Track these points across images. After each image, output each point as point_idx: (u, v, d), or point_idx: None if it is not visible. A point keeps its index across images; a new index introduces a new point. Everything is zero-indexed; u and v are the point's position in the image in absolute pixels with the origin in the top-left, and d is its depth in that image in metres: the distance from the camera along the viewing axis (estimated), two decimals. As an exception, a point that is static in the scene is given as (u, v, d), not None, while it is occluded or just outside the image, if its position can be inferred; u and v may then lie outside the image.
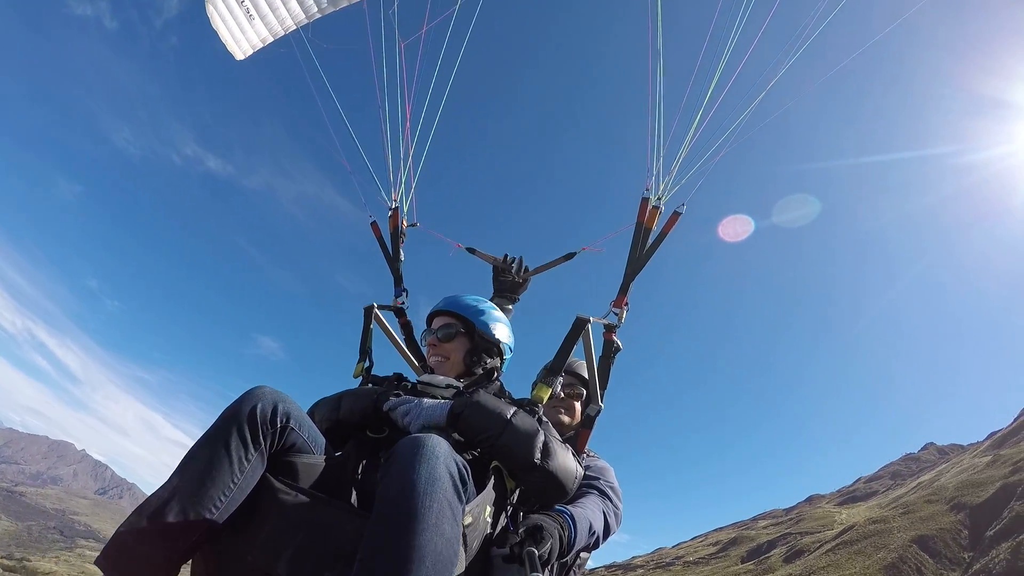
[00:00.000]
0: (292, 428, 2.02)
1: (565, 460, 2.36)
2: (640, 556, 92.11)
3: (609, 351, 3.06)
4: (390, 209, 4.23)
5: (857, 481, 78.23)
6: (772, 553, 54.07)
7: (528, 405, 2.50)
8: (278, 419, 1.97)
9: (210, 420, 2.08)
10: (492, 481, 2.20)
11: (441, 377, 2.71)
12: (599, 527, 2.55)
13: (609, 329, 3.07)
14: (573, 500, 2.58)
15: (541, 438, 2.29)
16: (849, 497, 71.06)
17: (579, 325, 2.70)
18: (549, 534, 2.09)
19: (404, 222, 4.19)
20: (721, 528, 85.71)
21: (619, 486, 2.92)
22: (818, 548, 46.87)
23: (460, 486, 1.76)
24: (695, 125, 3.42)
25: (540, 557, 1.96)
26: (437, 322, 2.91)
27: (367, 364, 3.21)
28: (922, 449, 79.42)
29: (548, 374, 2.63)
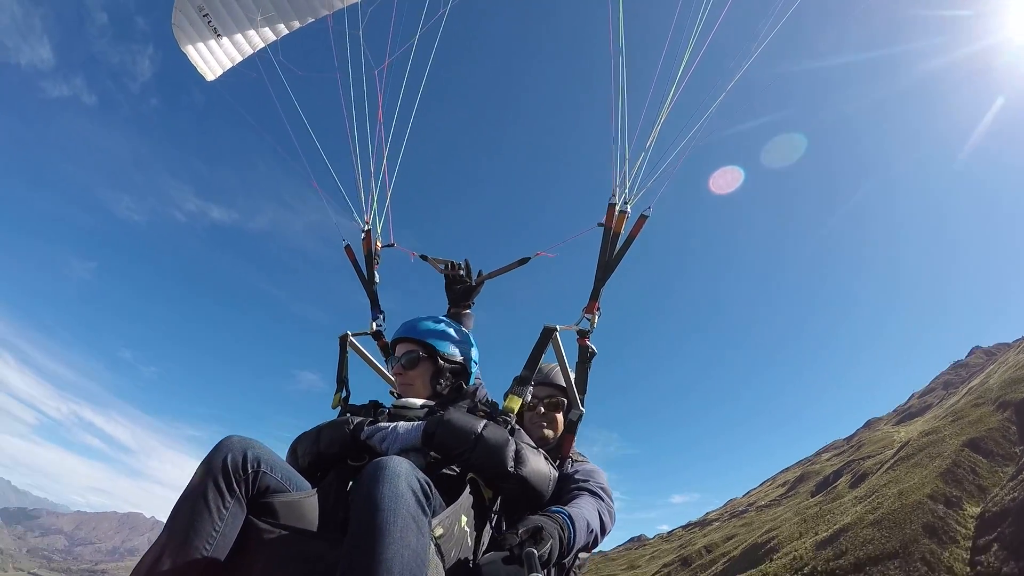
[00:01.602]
0: (264, 472, 2.09)
1: (538, 465, 2.46)
2: (714, 511, 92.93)
3: (585, 356, 3.06)
4: (363, 231, 4.21)
5: (911, 398, 78.65)
6: (838, 483, 55.04)
7: (500, 415, 2.59)
8: (248, 466, 2.04)
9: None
10: (467, 490, 2.28)
11: (414, 399, 2.81)
12: (596, 525, 2.60)
13: (582, 335, 3.07)
14: (567, 502, 2.64)
15: (512, 447, 2.39)
16: (905, 415, 71.50)
17: (546, 335, 2.78)
18: (549, 534, 2.13)
19: (379, 243, 4.19)
20: (787, 468, 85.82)
21: (609, 486, 2.96)
22: (879, 469, 48.02)
23: (424, 500, 1.83)
24: (655, 129, 3.41)
25: (540, 557, 2.00)
26: (399, 349, 2.96)
27: (344, 394, 3.31)
28: (969, 354, 79.30)
29: (518, 384, 2.72)
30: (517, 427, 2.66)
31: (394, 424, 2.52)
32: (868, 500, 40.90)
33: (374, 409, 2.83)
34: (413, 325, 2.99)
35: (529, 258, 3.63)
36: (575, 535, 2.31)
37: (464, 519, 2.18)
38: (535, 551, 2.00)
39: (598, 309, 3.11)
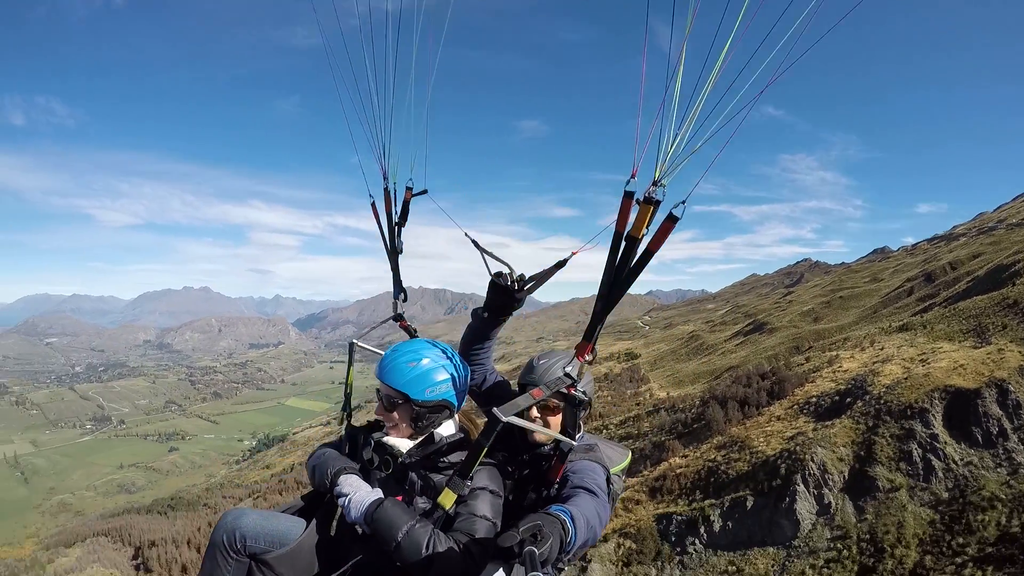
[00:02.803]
0: (249, 544, 2.73)
1: (444, 570, 2.47)
2: (961, 225, 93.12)
3: (573, 403, 2.80)
4: (384, 186, 3.60)
5: None
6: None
7: (440, 506, 2.61)
8: (237, 543, 2.71)
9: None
10: None
11: (397, 440, 2.91)
12: (596, 523, 2.64)
13: (569, 386, 2.71)
14: (566, 499, 2.73)
15: (423, 554, 2.46)
16: None
17: (492, 425, 2.42)
18: (550, 533, 2.14)
19: (410, 191, 3.56)
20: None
21: (604, 484, 2.98)
22: None
23: None
24: (720, 63, 2.06)
25: (540, 556, 2.03)
26: (381, 388, 2.93)
27: (347, 411, 3.42)
28: None
29: (458, 476, 2.59)
30: (473, 503, 2.66)
31: (349, 496, 2.69)
32: None
33: (368, 431, 3.06)
34: (388, 370, 2.88)
35: (566, 260, 3.04)
36: (576, 534, 2.34)
37: None
38: (536, 549, 2.03)
39: (592, 351, 2.57)
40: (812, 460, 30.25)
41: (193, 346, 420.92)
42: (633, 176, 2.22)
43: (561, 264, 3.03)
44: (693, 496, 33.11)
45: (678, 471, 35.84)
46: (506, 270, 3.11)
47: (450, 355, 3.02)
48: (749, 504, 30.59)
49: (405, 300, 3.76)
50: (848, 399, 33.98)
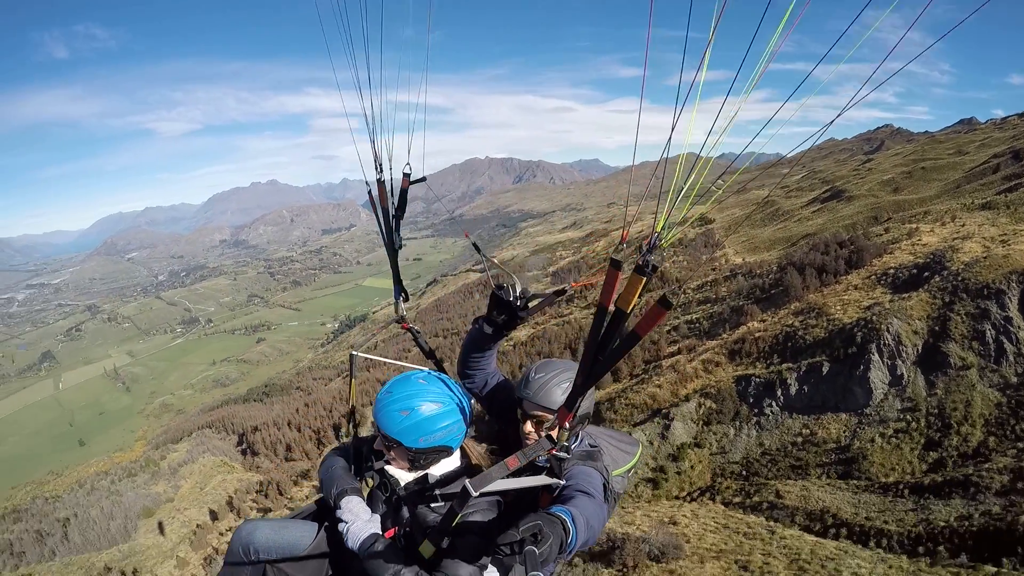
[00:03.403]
0: (262, 556, 2.93)
1: None
2: None
3: (554, 458, 2.82)
4: (379, 175, 3.42)
5: None
6: None
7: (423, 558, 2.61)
8: (252, 555, 2.93)
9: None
10: None
11: (399, 472, 2.93)
12: (596, 523, 2.66)
13: (549, 448, 2.69)
14: (566, 500, 2.74)
15: None
16: None
17: (463, 498, 2.28)
18: (550, 533, 2.15)
19: (406, 177, 3.39)
20: None
21: (600, 487, 2.97)
22: None
23: None
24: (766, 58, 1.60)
25: (540, 556, 2.05)
26: (380, 430, 2.96)
27: (352, 423, 3.46)
28: None
29: (436, 534, 2.55)
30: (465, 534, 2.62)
31: (348, 525, 2.73)
32: None
33: (366, 461, 3.11)
34: (381, 416, 2.86)
35: (566, 290, 3.05)
36: (576, 534, 2.34)
37: None
38: (535, 549, 2.04)
39: (572, 419, 2.62)
40: (887, 331, 30.61)
41: (268, 239, 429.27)
42: (623, 240, 1.97)
43: (560, 293, 3.07)
44: (771, 360, 34.30)
45: (756, 335, 36.95)
46: (508, 282, 3.07)
47: (450, 391, 2.94)
48: (824, 370, 31.58)
49: (407, 301, 3.64)
50: (926, 273, 33.84)
